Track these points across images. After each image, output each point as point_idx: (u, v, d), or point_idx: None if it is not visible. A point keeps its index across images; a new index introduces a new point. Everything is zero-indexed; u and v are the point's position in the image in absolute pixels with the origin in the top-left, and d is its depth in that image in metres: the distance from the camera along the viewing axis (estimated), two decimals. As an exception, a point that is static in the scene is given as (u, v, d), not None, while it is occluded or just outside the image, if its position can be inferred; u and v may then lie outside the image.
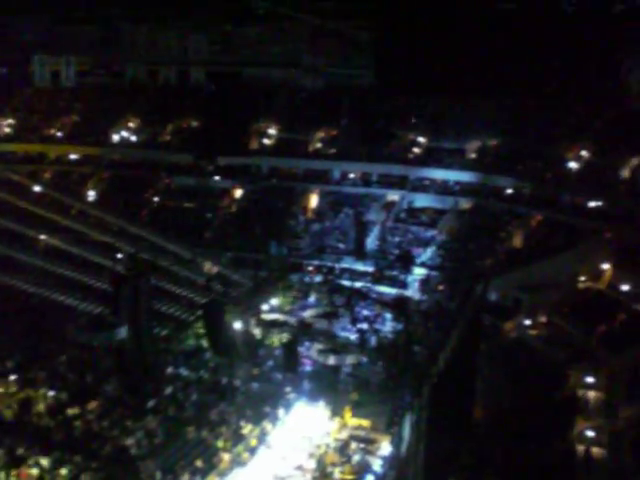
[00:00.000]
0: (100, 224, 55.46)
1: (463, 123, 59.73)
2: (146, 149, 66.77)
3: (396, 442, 28.99)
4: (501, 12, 65.91)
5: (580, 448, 32.21)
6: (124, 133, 68.84)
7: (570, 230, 47.57)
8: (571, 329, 41.37)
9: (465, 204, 55.13)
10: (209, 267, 50.70)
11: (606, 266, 45.03)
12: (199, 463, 31.02)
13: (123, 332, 33.19)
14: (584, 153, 51.78)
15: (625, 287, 43.10)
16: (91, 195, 62.40)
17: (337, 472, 30.45)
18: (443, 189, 56.92)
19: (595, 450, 32.11)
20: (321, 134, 63.98)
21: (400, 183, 57.96)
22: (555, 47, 57.88)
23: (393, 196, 57.76)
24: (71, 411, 34.46)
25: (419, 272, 50.10)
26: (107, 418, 34.06)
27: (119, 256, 46.88)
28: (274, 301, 40.51)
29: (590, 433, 32.58)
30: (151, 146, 66.77)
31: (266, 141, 64.83)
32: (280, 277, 49.47)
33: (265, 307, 38.54)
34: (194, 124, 69.46)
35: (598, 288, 44.84)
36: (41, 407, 34.71)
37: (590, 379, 36.67)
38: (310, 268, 52.75)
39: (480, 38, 60.34)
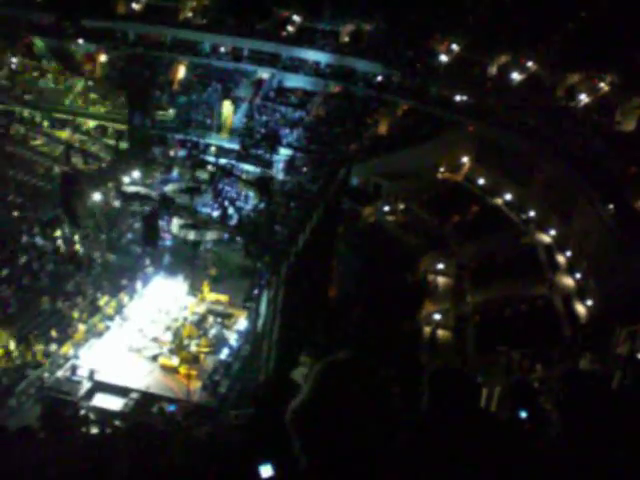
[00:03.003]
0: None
1: (340, 5, 58.74)
2: (4, 6, 61.93)
3: (252, 318, 29.77)
4: None
5: (427, 330, 34.20)
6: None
7: (434, 122, 48.62)
8: (427, 217, 43.05)
9: (334, 88, 55.01)
10: (69, 136, 48.73)
11: (465, 159, 46.72)
12: (54, 333, 30.82)
13: (-26, 198, 31.77)
14: (455, 47, 52.37)
15: (481, 181, 45.08)
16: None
17: (193, 345, 31.07)
18: (314, 71, 56.38)
19: (440, 332, 34.19)
20: (193, 3, 61.28)
21: (271, 61, 56.85)
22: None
23: (263, 74, 56.78)
24: None
25: (284, 153, 50.23)
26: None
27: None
28: (136, 173, 39.63)
29: (437, 316, 34.59)
30: (11, 2, 61.98)
31: (134, 6, 61.52)
32: (143, 149, 48.39)
33: (126, 179, 37.67)
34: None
35: (456, 180, 46.64)
36: None
37: (441, 266, 38.60)
38: (174, 141, 51.86)
39: None
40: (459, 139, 47.01)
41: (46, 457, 8.81)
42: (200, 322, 33.28)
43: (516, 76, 47.64)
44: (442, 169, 47.09)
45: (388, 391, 3.31)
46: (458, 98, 48.92)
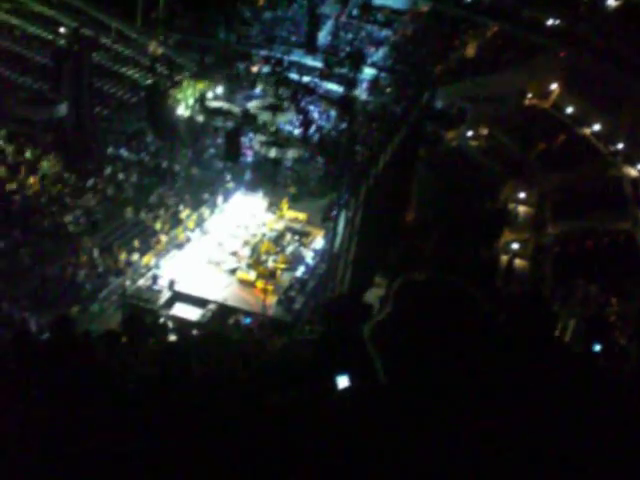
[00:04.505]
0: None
1: None
2: None
3: (329, 237, 29.95)
4: None
5: (504, 258, 33.86)
6: None
7: (524, 46, 47.00)
8: (511, 144, 42.06)
9: (423, 7, 53.48)
10: (154, 48, 48.93)
11: (554, 86, 45.14)
12: (136, 243, 31.69)
13: (64, 109, 32.42)
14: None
15: (570, 109, 43.56)
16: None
17: (271, 261, 31.54)
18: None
19: (518, 262, 33.80)
20: None
21: (358, -23, 55.47)
22: None
23: (350, -10, 55.54)
24: (9, 186, 34.26)
25: (368, 72, 49.47)
26: (46, 194, 34.06)
27: (61, 30, 44.68)
28: (219, 89, 39.71)
29: (515, 245, 34.14)
30: None
31: None
32: (227, 65, 48.30)
33: (209, 94, 37.82)
34: None
35: (543, 107, 45.20)
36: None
37: (522, 194, 37.86)
38: (258, 58, 51.54)
39: None
40: (549, 65, 45.32)
41: (127, 361, 9.18)
42: (278, 239, 33.69)
43: (612, 2, 45.44)
44: (529, 95, 45.64)
45: (469, 309, 3.31)
46: (550, 22, 47.06)
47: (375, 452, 3.02)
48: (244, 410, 4.30)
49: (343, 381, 4.34)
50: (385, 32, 52.71)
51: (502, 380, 3.32)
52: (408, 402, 2.99)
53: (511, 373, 3.44)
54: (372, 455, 3.02)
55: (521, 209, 37.85)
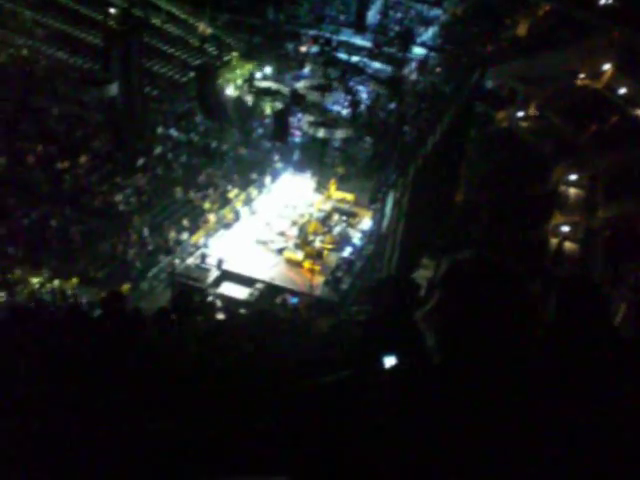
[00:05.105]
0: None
1: None
2: None
3: (377, 218, 29.89)
4: None
5: (553, 241, 33.42)
6: None
7: (577, 25, 46.06)
8: (562, 125, 41.36)
9: (474, -16, 52.74)
10: (203, 28, 49.14)
11: (607, 66, 44.19)
12: (185, 222, 32.04)
13: (114, 89, 32.76)
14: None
15: (623, 90, 42.61)
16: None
17: (318, 241, 31.62)
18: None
19: (568, 244, 33.34)
20: None
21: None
22: None
23: (400, -32, 55.00)
24: (61, 165, 34.86)
25: (418, 52, 49.03)
26: (96, 173, 34.59)
27: (111, 10, 45.12)
28: (268, 69, 39.81)
29: (565, 228, 33.67)
30: None
31: None
32: (275, 44, 48.31)
33: (258, 74, 37.94)
34: None
35: (596, 87, 44.30)
36: (31, 160, 35.05)
37: (573, 176, 37.26)
38: (307, 38, 51.43)
39: None
40: (602, 45, 44.32)
41: (178, 338, 9.32)
42: (325, 219, 33.73)
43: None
44: (581, 75, 44.76)
45: (522, 289, 3.27)
46: (603, 1, 45.97)
47: (426, 431, 3.02)
48: (295, 389, 4.33)
49: (390, 361, 4.35)
50: (435, 11, 52.11)
51: (554, 366, 3.28)
52: (461, 382, 2.98)
53: (563, 359, 3.40)
54: (425, 434, 3.02)
55: (572, 191, 37.27)
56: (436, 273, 3.32)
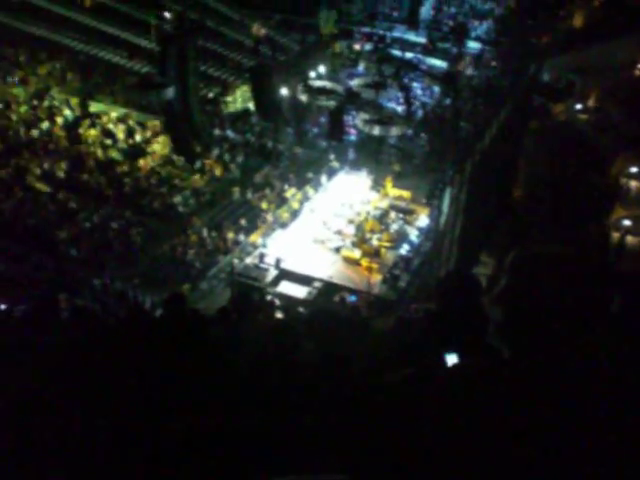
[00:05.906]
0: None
1: None
2: None
3: (435, 215, 29.68)
4: None
5: (615, 235, 32.74)
6: None
7: (634, 13, 45.04)
8: (622, 117, 40.52)
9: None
10: (257, 29, 49.45)
11: (668, 55, 43.16)
12: (243, 222, 32.31)
13: (171, 92, 33.23)
14: None
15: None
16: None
17: (375, 239, 31.54)
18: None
19: (630, 238, 32.63)
20: None
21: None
22: None
23: (453, -37, 54.48)
24: (121, 168, 35.50)
25: (473, 46, 48.54)
26: (156, 176, 35.13)
27: (166, 14, 45.70)
28: (322, 68, 39.84)
29: (627, 222, 32.96)
30: None
31: None
32: (329, 43, 48.32)
33: (312, 73, 38.01)
34: None
35: (655, 77, 43.33)
36: (91, 164, 35.78)
37: (634, 169, 36.46)
38: (360, 35, 51.32)
39: None
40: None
41: (238, 337, 9.39)
42: (382, 217, 33.61)
43: None
44: (640, 66, 43.82)
45: (587, 281, 3.23)
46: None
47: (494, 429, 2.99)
48: (359, 388, 4.34)
49: (452, 359, 4.33)
50: (489, 5, 51.49)
51: (623, 366, 3.21)
52: (534, 382, 2.94)
53: (630, 358, 3.33)
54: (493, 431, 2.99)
55: (633, 184, 36.45)
56: (499, 266, 3.29)
